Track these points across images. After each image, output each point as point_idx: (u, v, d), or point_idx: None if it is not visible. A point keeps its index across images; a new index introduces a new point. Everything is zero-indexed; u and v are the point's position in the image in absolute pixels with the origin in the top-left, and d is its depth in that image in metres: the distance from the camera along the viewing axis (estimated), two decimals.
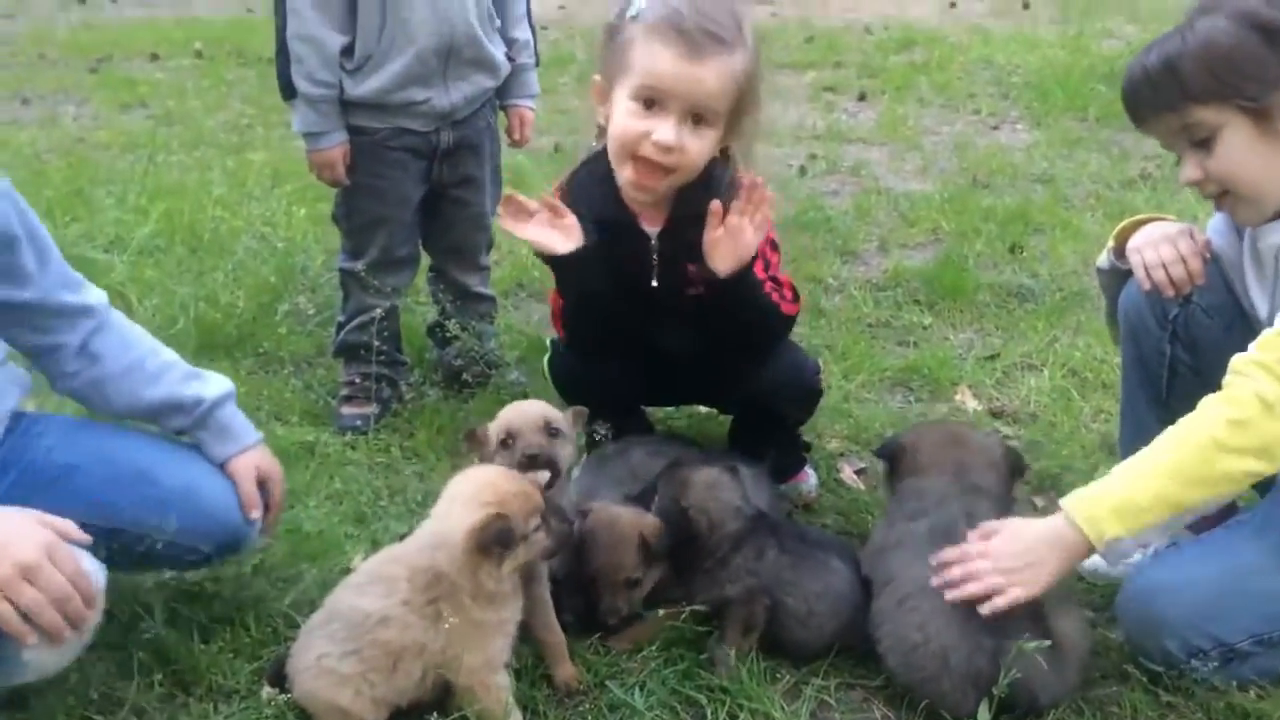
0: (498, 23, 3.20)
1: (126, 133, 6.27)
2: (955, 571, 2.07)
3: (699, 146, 2.39)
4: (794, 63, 8.04)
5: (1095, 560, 2.49)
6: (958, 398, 3.33)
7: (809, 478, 2.89)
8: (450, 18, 3.03)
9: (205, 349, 3.48)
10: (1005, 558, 2.05)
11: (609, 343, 2.60)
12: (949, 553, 2.09)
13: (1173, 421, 2.40)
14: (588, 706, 2.13)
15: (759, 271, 2.47)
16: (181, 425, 2.31)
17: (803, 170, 5.57)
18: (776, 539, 2.25)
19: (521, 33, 3.31)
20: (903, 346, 3.67)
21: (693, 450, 2.62)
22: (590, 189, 2.52)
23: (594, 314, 2.57)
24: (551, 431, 2.25)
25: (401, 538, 2.31)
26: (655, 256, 2.54)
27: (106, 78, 7.67)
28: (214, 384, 2.34)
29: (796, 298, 2.62)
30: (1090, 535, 1.99)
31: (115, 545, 2.09)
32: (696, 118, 2.36)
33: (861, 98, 7.09)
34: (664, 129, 2.34)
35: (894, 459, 2.37)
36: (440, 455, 3.01)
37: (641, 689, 2.16)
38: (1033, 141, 6.08)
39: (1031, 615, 2.06)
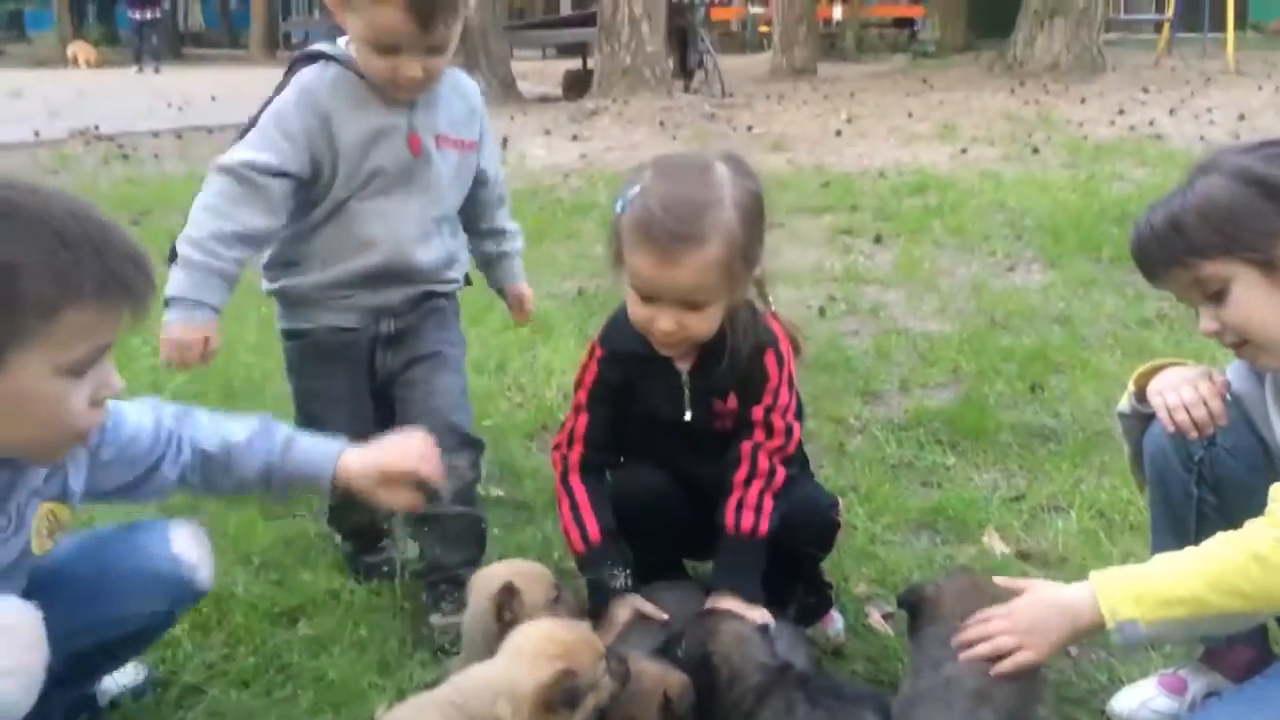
0: (458, 229, 3.06)
1: (165, 283, 6.44)
2: (972, 633, 2.11)
3: (702, 323, 2.50)
4: (811, 207, 8.25)
5: (1133, 708, 2.45)
6: (985, 540, 3.31)
7: (835, 621, 2.86)
8: (400, 241, 2.86)
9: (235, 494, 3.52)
10: (1021, 618, 2.10)
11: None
12: (974, 620, 2.15)
13: None
14: None
15: (759, 412, 2.60)
16: (274, 491, 2.33)
17: (822, 311, 5.67)
18: (805, 693, 2.21)
19: (509, 223, 3.20)
20: (927, 487, 3.67)
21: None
22: (626, 331, 2.61)
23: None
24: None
25: (429, 686, 2.31)
26: (687, 391, 2.63)
27: (148, 230, 7.90)
28: (271, 441, 2.29)
29: (788, 435, 2.63)
30: (1104, 610, 1.99)
31: (72, 654, 2.10)
32: (690, 305, 2.46)
33: (878, 240, 7.24)
34: (661, 320, 2.47)
35: (916, 609, 2.35)
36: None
37: None
38: (1048, 282, 6.17)
39: None
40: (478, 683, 2.05)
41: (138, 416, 2.19)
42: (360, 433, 2.99)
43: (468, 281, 3.19)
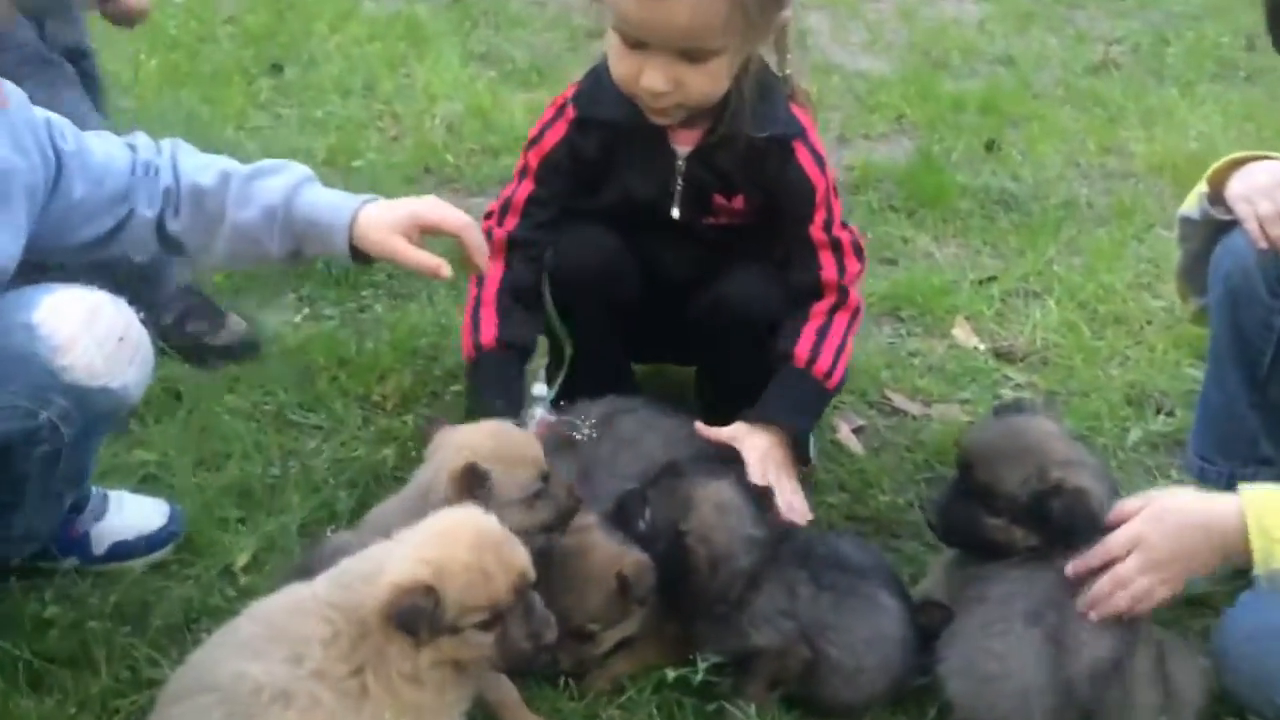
0: None
1: None
2: (1104, 584, 1.64)
3: (702, 82, 1.92)
4: None
5: None
6: (956, 332, 2.86)
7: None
8: None
9: None
10: (1159, 549, 1.63)
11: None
12: (1091, 557, 1.66)
13: (1269, 405, 2.01)
14: None
15: (818, 232, 2.08)
16: (284, 247, 1.80)
17: None
18: (809, 570, 1.74)
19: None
20: (885, 265, 3.16)
21: (687, 425, 2.07)
22: (609, 92, 2.01)
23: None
24: None
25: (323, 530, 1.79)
26: (680, 181, 2.05)
27: None
28: (279, 179, 1.80)
29: (860, 255, 2.16)
30: (1256, 550, 1.57)
31: None
32: (689, 55, 1.87)
33: None
34: (650, 74, 1.89)
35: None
36: (349, 404, 2.40)
37: None
38: (983, 15, 5.55)
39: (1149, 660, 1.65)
40: (355, 565, 1.50)
41: (107, 148, 1.79)
42: None
43: None
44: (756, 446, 1.97)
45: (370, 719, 1.43)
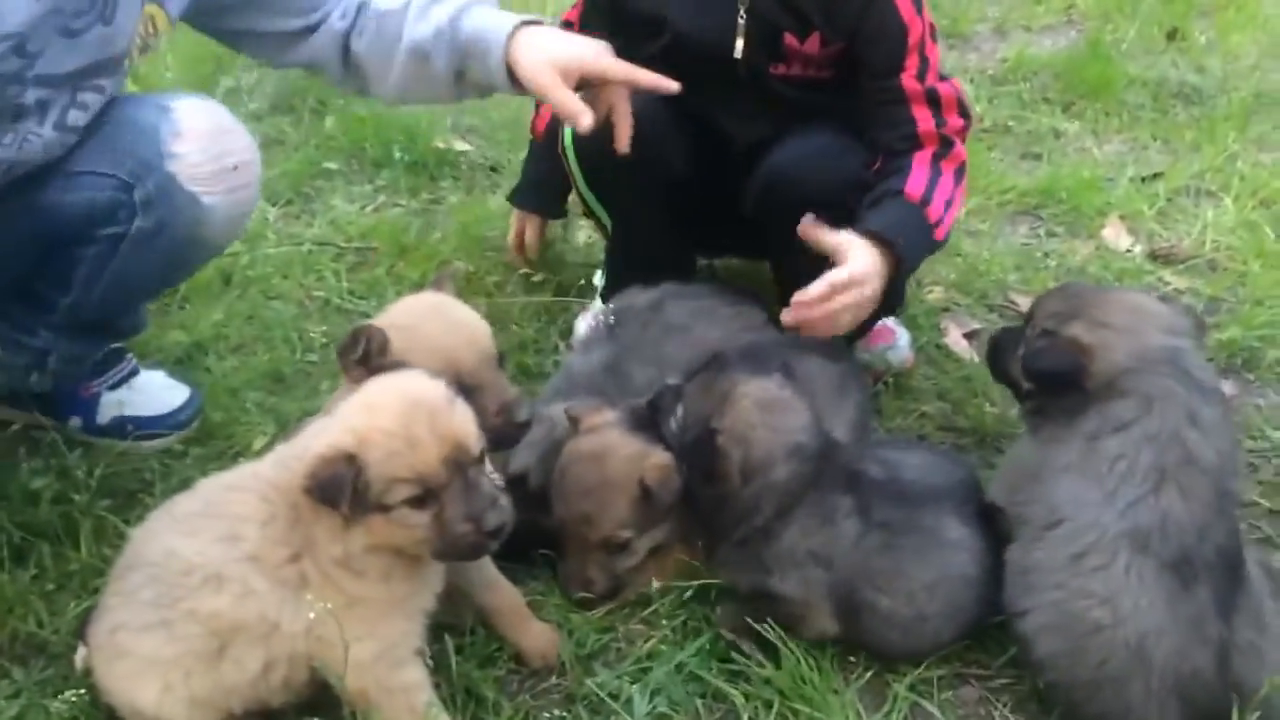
0: None
1: None
2: None
3: None
4: None
5: None
6: (1106, 233, 2.46)
7: (898, 338, 2.05)
8: None
9: None
10: None
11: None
12: None
13: None
14: (556, 697, 1.41)
15: (910, 81, 1.78)
16: (450, 67, 1.70)
17: None
18: (856, 498, 1.43)
19: None
20: (1029, 160, 2.77)
21: (756, 311, 1.80)
22: None
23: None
24: None
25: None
26: (743, 14, 1.80)
27: None
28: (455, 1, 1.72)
29: (965, 113, 1.83)
30: None
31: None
32: None
33: None
34: None
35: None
36: (404, 292, 2.22)
37: (642, 676, 1.43)
38: None
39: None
40: (303, 437, 1.32)
41: None
42: None
43: None
44: (859, 265, 1.62)
45: (309, 611, 1.25)
